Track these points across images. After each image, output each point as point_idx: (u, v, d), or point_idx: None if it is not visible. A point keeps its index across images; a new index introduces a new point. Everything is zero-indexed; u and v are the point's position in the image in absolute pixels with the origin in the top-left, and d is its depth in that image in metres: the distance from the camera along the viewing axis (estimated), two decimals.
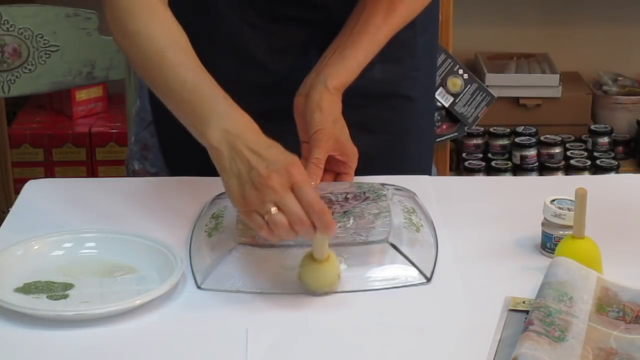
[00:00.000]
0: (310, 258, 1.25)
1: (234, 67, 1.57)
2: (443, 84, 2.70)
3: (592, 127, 3.21)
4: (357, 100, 1.58)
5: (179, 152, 1.67)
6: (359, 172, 1.50)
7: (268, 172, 1.23)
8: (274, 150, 1.27)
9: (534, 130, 3.16)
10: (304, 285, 1.26)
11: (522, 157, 3.12)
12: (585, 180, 2.00)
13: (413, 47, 1.64)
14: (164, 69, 1.36)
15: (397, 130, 1.65)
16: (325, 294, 1.26)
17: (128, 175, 1.78)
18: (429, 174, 1.72)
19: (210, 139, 1.29)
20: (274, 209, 1.22)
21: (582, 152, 3.17)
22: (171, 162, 1.70)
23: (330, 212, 1.34)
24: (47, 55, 1.94)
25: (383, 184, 1.43)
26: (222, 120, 1.30)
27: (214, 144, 1.28)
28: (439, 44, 2.59)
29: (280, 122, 1.52)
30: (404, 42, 1.61)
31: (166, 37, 1.39)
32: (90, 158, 2.97)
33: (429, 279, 1.30)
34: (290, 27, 1.57)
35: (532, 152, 3.12)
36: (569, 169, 3.11)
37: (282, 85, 1.54)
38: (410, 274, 1.29)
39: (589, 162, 3.12)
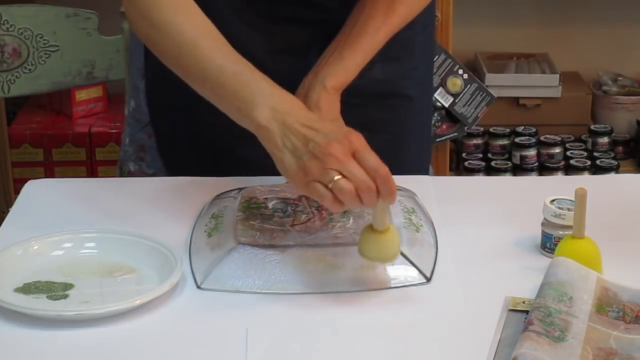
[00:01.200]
0: (370, 229, 1.24)
1: None
2: (443, 84, 2.70)
3: (592, 127, 3.21)
4: (356, 100, 1.58)
5: (178, 153, 1.67)
6: None
7: (327, 140, 1.23)
8: (327, 123, 1.28)
9: (533, 130, 3.16)
10: (365, 258, 1.25)
11: (522, 157, 3.12)
12: (585, 180, 2.00)
13: (412, 47, 1.64)
14: (199, 56, 1.37)
15: (396, 129, 1.66)
16: (386, 264, 1.25)
17: (122, 177, 1.78)
18: (427, 173, 1.72)
19: (259, 119, 1.29)
20: (337, 176, 1.21)
21: (582, 152, 3.17)
22: (169, 162, 1.69)
23: (330, 212, 1.35)
24: (47, 55, 1.94)
25: None
26: (268, 99, 1.31)
27: (263, 123, 1.29)
28: (438, 44, 2.61)
29: None
30: (403, 41, 1.61)
31: (198, 26, 1.40)
32: (90, 158, 2.97)
33: (428, 279, 1.30)
34: (291, 28, 1.57)
35: (532, 152, 3.12)
36: (569, 169, 3.11)
37: (283, 85, 1.54)
38: (410, 274, 1.29)
39: (588, 162, 3.12)
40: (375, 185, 1.21)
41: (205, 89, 1.38)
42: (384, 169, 1.22)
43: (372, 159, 1.22)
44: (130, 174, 1.75)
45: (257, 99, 1.31)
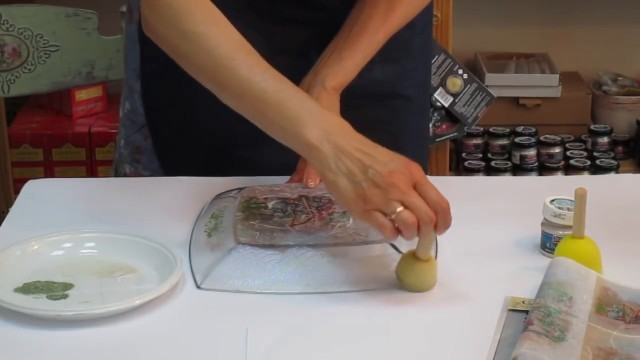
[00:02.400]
0: (413, 257, 1.25)
1: None
2: (443, 84, 2.70)
3: (592, 127, 3.21)
4: (355, 100, 1.58)
5: (175, 154, 1.67)
6: None
7: (388, 170, 1.23)
8: (382, 150, 1.26)
9: (533, 130, 3.16)
10: (403, 284, 1.26)
11: (522, 157, 3.12)
12: (585, 180, 2.00)
13: (411, 47, 1.64)
14: (238, 71, 1.33)
15: (396, 129, 1.66)
16: (426, 291, 1.26)
17: None
18: (426, 173, 1.72)
19: (310, 139, 1.27)
20: (400, 208, 1.21)
21: (582, 152, 3.17)
22: (166, 164, 1.69)
23: (330, 212, 1.35)
24: (47, 55, 1.94)
25: None
26: (317, 120, 1.28)
27: (314, 143, 1.26)
28: (438, 44, 2.61)
29: None
30: (402, 42, 1.61)
31: (232, 39, 1.36)
32: (90, 158, 2.97)
33: None
34: (291, 28, 1.57)
35: (531, 152, 3.12)
36: (569, 169, 3.11)
37: None
38: None
39: (588, 162, 3.12)
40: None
41: (243, 105, 1.34)
42: (445, 202, 1.22)
43: (434, 191, 1.23)
44: (126, 177, 1.75)
45: (305, 119, 1.28)
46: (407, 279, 1.26)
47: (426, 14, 1.63)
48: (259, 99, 1.31)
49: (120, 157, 1.75)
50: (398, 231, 1.22)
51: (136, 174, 1.73)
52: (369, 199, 1.22)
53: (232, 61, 1.34)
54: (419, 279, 1.26)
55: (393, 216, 1.21)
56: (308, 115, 1.29)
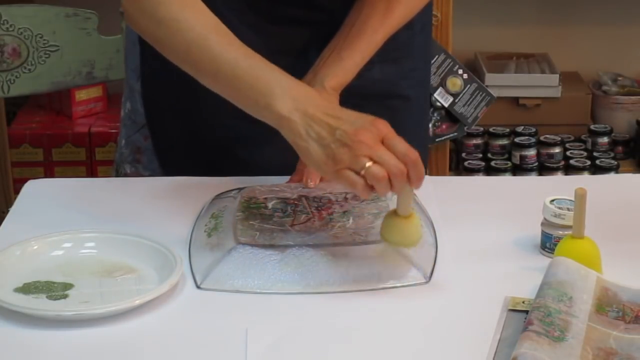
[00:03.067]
0: (394, 215, 1.25)
1: None
2: (443, 84, 2.70)
3: (592, 127, 3.21)
4: (355, 100, 1.57)
5: (174, 155, 1.67)
6: None
7: (354, 128, 1.24)
8: (349, 112, 1.29)
9: (533, 130, 3.16)
10: (387, 242, 1.26)
11: (522, 157, 3.12)
12: (584, 180, 2.00)
13: (411, 47, 1.64)
14: (210, 50, 1.36)
15: (395, 129, 1.65)
16: (414, 246, 1.27)
17: None
18: (426, 173, 1.72)
19: (281, 110, 1.30)
20: (369, 163, 1.22)
21: (582, 152, 3.17)
22: (166, 164, 1.69)
23: (330, 212, 1.35)
24: (47, 55, 1.94)
25: None
26: (288, 90, 1.31)
27: (284, 113, 1.29)
28: (438, 44, 2.61)
29: None
30: (402, 42, 1.61)
31: (206, 22, 1.40)
32: (90, 158, 2.97)
33: (428, 279, 1.30)
34: (290, 28, 1.57)
35: (531, 152, 3.12)
36: (569, 169, 3.11)
37: None
38: (410, 273, 1.29)
39: (588, 162, 3.12)
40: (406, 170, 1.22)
41: (218, 83, 1.38)
42: (414, 153, 1.23)
43: (402, 144, 1.24)
44: (127, 177, 1.75)
45: (276, 90, 1.31)
46: (389, 236, 1.26)
47: (425, 14, 1.63)
48: (232, 76, 1.35)
49: (121, 157, 1.75)
50: (371, 187, 1.23)
51: (136, 174, 1.73)
52: (338, 158, 1.24)
53: (205, 41, 1.37)
54: (401, 236, 1.26)
55: (363, 172, 1.23)
56: (278, 87, 1.32)
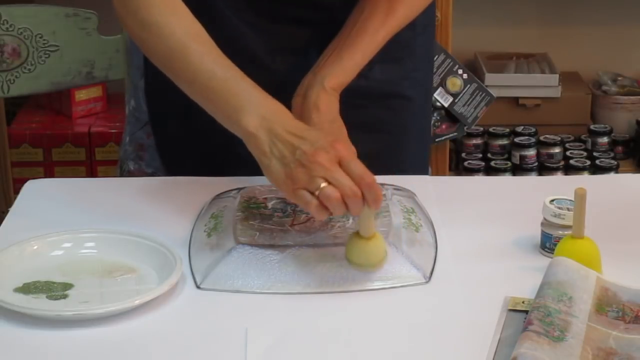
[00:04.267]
0: (357, 236, 1.26)
1: None
2: (442, 84, 2.70)
3: (592, 127, 3.21)
4: (356, 100, 1.58)
5: (176, 152, 1.67)
6: None
7: (314, 149, 1.26)
8: (313, 132, 1.30)
9: (533, 130, 3.16)
10: (351, 264, 1.26)
11: (522, 157, 3.12)
12: (584, 180, 2.00)
13: (412, 47, 1.64)
14: (189, 59, 1.38)
15: (396, 130, 1.66)
16: (372, 271, 1.26)
17: (122, 176, 1.78)
18: (427, 173, 1.72)
19: (248, 126, 1.32)
20: (324, 184, 1.23)
21: (582, 152, 3.17)
22: (168, 162, 1.70)
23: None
24: (47, 55, 1.94)
25: (382, 184, 1.43)
26: (257, 107, 1.33)
27: (251, 130, 1.31)
28: (438, 44, 2.61)
29: None
30: (403, 42, 1.61)
31: (188, 29, 1.41)
32: (90, 158, 2.97)
33: (428, 279, 1.30)
34: (291, 28, 1.57)
35: (531, 152, 3.12)
36: (569, 169, 3.11)
37: (283, 85, 1.54)
38: (410, 273, 1.29)
39: (588, 162, 3.12)
40: (361, 192, 1.23)
41: (194, 92, 1.40)
42: (369, 176, 1.24)
43: (358, 166, 1.25)
44: (130, 173, 1.75)
45: (246, 107, 1.33)
46: (352, 258, 1.26)
47: (427, 14, 1.62)
48: (206, 87, 1.37)
49: (125, 153, 1.76)
50: (325, 208, 1.24)
51: (139, 170, 1.74)
52: (296, 178, 1.26)
53: (185, 49, 1.38)
54: (363, 258, 1.26)
55: (317, 192, 1.24)
56: (248, 103, 1.34)
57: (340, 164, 1.25)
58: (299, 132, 1.29)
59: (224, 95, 1.36)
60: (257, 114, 1.32)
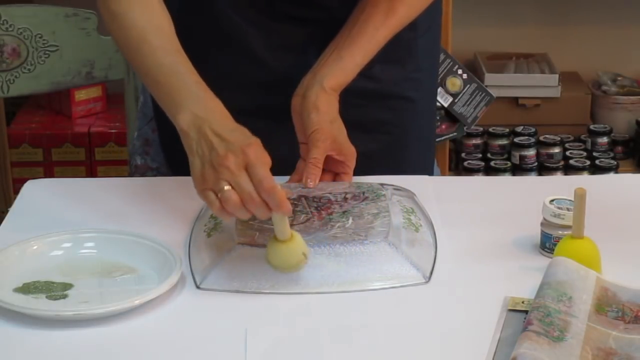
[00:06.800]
0: (274, 239, 1.26)
1: (233, 62, 1.57)
2: (442, 84, 2.70)
3: (591, 127, 3.21)
4: (356, 100, 1.58)
5: (179, 147, 1.67)
6: (359, 172, 1.50)
7: (225, 152, 1.27)
8: (237, 133, 1.31)
9: (533, 130, 3.16)
10: (271, 266, 1.27)
11: (521, 157, 3.12)
12: (584, 180, 2.00)
13: (414, 48, 1.64)
14: (144, 51, 1.42)
15: (398, 130, 1.65)
16: (293, 273, 1.27)
17: (130, 170, 1.79)
18: (430, 174, 1.72)
19: (181, 123, 1.34)
20: (227, 187, 1.25)
21: (581, 152, 3.17)
22: (170, 157, 1.70)
23: (329, 212, 1.35)
24: (47, 55, 1.94)
25: (382, 184, 1.43)
26: (193, 104, 1.35)
27: (184, 127, 1.34)
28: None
29: (278, 119, 1.52)
30: (405, 43, 1.61)
31: (148, 21, 1.43)
32: (90, 158, 2.97)
33: (428, 279, 1.30)
34: (291, 26, 1.57)
35: (531, 152, 3.13)
36: (568, 169, 3.11)
37: (282, 82, 1.55)
38: (410, 273, 1.29)
39: (588, 162, 3.12)
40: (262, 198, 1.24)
41: (147, 84, 1.44)
42: (268, 182, 1.24)
43: (260, 172, 1.25)
44: (137, 168, 1.76)
45: (184, 104, 1.35)
46: (271, 260, 1.27)
47: (430, 15, 1.62)
48: (155, 81, 1.40)
49: (133, 148, 1.78)
50: (227, 210, 1.26)
51: (145, 165, 1.75)
52: (206, 178, 1.28)
53: (142, 43, 1.42)
54: (280, 260, 1.26)
55: (219, 194, 1.26)
56: (186, 100, 1.36)
57: (246, 168, 1.26)
58: (223, 133, 1.30)
59: (168, 90, 1.38)
60: (191, 111, 1.34)
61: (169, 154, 1.70)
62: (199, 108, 1.34)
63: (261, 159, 1.27)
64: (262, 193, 1.24)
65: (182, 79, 1.38)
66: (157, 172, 1.74)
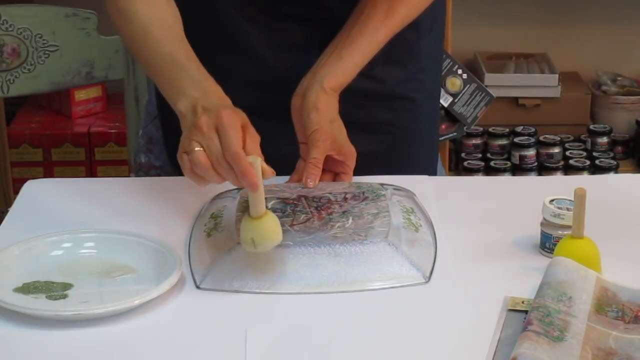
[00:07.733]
0: (247, 217, 1.25)
1: (235, 61, 1.57)
2: (442, 84, 2.70)
3: (591, 127, 3.22)
4: (359, 101, 1.58)
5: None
6: (360, 172, 1.50)
7: (201, 114, 1.28)
8: (225, 104, 1.31)
9: (533, 130, 3.16)
10: (243, 245, 1.25)
11: (521, 157, 3.12)
12: (584, 180, 2.00)
13: (417, 49, 1.63)
14: (148, 43, 1.43)
15: (399, 131, 1.65)
16: (267, 249, 1.25)
17: (134, 168, 1.79)
18: (434, 174, 1.71)
19: (181, 107, 1.34)
20: (197, 148, 1.25)
21: (581, 152, 3.17)
22: (173, 156, 1.70)
23: (329, 212, 1.35)
24: (46, 55, 1.94)
25: (382, 184, 1.43)
26: (193, 89, 1.35)
27: (183, 111, 1.34)
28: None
29: (279, 118, 1.52)
30: (407, 43, 1.61)
31: (152, 14, 1.45)
32: (90, 158, 2.97)
33: (428, 279, 1.30)
34: (292, 25, 1.57)
35: (531, 152, 3.13)
36: (568, 169, 3.12)
37: (283, 81, 1.55)
38: (409, 273, 1.29)
39: (588, 162, 3.12)
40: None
41: (151, 75, 1.45)
42: (234, 147, 1.23)
43: (228, 136, 1.24)
44: (141, 165, 1.76)
45: (184, 89, 1.36)
46: (242, 238, 1.25)
47: (433, 15, 1.62)
48: (159, 70, 1.41)
49: (138, 146, 1.78)
50: (197, 173, 1.26)
51: (149, 163, 1.75)
52: (182, 141, 1.29)
53: (144, 35, 1.43)
54: (252, 236, 1.24)
55: (190, 156, 1.26)
56: (187, 85, 1.36)
57: (217, 130, 1.25)
58: (210, 105, 1.30)
59: (169, 78, 1.39)
60: (190, 95, 1.34)
61: (171, 152, 1.70)
62: (197, 91, 1.35)
63: (233, 123, 1.26)
64: (227, 156, 1.23)
65: (183, 67, 1.39)
66: (161, 170, 1.74)
